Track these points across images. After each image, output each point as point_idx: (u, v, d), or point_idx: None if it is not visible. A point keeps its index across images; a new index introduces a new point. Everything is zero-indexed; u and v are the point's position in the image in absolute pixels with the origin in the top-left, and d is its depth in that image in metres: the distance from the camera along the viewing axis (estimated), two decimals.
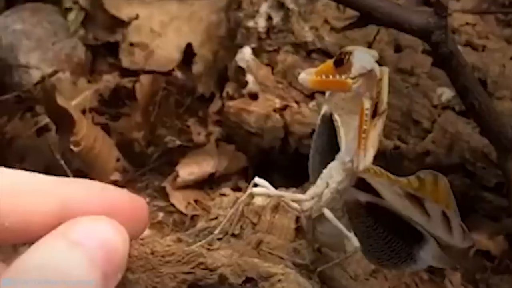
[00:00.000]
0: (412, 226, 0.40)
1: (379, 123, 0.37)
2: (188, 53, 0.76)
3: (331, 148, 0.42)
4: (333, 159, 0.41)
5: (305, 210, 0.42)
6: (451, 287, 0.59)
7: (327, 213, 0.41)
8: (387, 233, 0.41)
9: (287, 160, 0.66)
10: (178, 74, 0.76)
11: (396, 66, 0.65)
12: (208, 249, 0.43)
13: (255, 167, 0.68)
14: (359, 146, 0.38)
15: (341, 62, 0.36)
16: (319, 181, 0.41)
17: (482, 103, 0.52)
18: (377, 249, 0.42)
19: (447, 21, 0.50)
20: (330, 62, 0.36)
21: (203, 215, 0.63)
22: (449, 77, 0.52)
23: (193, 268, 0.40)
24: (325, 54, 0.67)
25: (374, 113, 0.38)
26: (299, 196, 0.43)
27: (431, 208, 0.39)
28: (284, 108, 0.65)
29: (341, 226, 0.41)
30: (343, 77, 0.36)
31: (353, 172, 0.40)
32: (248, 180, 0.67)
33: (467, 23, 0.66)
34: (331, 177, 0.41)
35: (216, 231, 0.46)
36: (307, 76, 0.37)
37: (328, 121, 0.42)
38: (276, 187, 0.56)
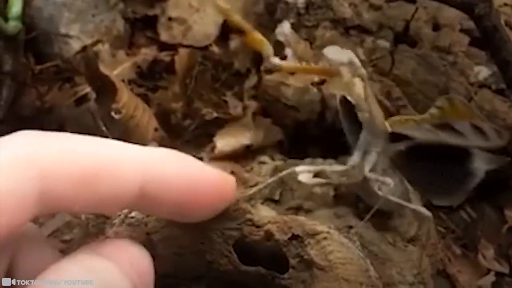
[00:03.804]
0: (454, 147, 0.42)
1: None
2: (225, 29, 0.77)
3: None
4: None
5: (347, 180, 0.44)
6: (484, 262, 0.59)
7: (368, 174, 0.42)
8: (436, 164, 0.44)
9: (323, 133, 0.67)
10: (215, 49, 0.76)
11: (434, 44, 0.65)
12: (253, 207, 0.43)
13: (291, 140, 0.68)
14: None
15: None
16: (356, 151, 0.44)
17: None
18: (437, 183, 0.44)
19: None
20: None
21: (239, 185, 0.64)
22: (490, 51, 0.53)
23: (239, 224, 0.41)
24: (363, 30, 0.67)
25: None
26: (341, 167, 0.45)
27: (461, 126, 0.41)
28: (322, 82, 0.66)
29: (404, 203, 0.43)
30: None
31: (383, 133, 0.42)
32: (284, 153, 0.68)
33: (505, 4, 0.67)
34: (368, 145, 0.42)
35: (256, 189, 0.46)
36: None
37: None
38: (312, 158, 0.57)
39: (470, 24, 0.62)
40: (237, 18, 0.40)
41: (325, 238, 0.41)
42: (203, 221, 0.39)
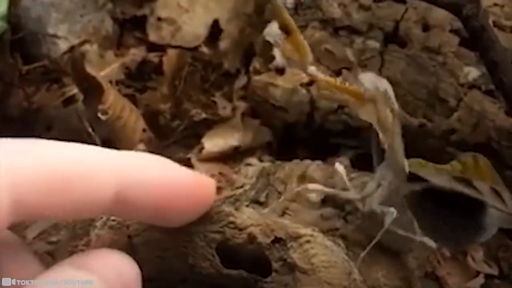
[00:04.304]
0: (470, 199, 0.42)
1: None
2: (215, 29, 0.76)
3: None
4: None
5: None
6: (474, 264, 0.59)
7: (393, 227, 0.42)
8: (449, 211, 0.43)
9: (312, 134, 0.66)
10: (204, 50, 0.76)
11: (424, 45, 0.65)
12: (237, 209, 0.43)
13: (280, 141, 0.68)
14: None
15: None
16: (371, 182, 0.43)
17: (511, 79, 0.52)
18: (446, 229, 0.43)
19: None
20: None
21: (227, 187, 0.63)
22: (479, 53, 0.52)
23: (222, 227, 0.41)
24: (353, 31, 0.67)
25: None
26: (352, 195, 0.45)
27: (480, 186, 0.41)
28: (311, 83, 0.65)
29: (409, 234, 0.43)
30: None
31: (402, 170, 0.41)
32: (272, 154, 0.67)
33: (495, 4, 0.66)
34: (383, 178, 0.42)
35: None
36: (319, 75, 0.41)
37: None
38: (301, 159, 0.56)
39: (460, 25, 0.61)
40: (286, 17, 0.40)
41: (308, 241, 0.40)
42: (186, 224, 0.39)
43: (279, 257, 0.40)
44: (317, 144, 0.66)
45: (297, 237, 0.40)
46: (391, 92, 0.39)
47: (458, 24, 0.63)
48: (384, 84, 0.39)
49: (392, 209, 0.42)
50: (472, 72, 0.63)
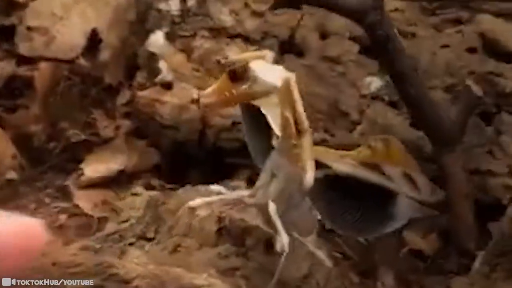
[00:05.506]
0: (378, 186, 0.39)
1: (306, 142, 0.36)
2: (94, 39, 0.69)
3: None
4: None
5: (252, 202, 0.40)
6: None
7: (271, 208, 0.38)
8: (354, 200, 0.40)
9: (205, 155, 0.61)
10: (82, 62, 0.69)
11: (322, 54, 0.61)
12: (120, 257, 0.37)
13: (169, 163, 0.62)
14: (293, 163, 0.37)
15: (237, 76, 0.36)
16: (262, 174, 0.39)
17: (419, 91, 0.48)
18: (351, 219, 0.40)
19: (383, 1, 0.46)
20: (224, 79, 0.37)
21: (112, 217, 0.57)
22: (384, 63, 0.48)
23: (103, 280, 0.35)
24: (246, 39, 0.62)
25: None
26: (243, 193, 0.41)
27: (391, 171, 0.39)
28: None
29: (279, 224, 0.38)
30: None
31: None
32: (162, 178, 0.61)
33: (396, 9, 0.63)
34: (277, 168, 0.38)
35: None
36: (208, 100, 0.37)
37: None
38: (193, 185, 0.51)
39: (360, 31, 0.57)
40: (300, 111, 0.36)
41: None
42: (60, 278, 0.34)
43: None
44: (211, 165, 0.61)
45: None
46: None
47: (357, 30, 0.60)
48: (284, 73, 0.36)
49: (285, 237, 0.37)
50: (374, 82, 0.60)
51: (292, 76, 0.35)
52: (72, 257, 0.36)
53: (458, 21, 0.65)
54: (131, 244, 0.45)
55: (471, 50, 0.61)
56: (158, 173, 0.62)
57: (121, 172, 0.61)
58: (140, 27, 0.66)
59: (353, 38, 0.60)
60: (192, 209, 0.47)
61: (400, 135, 0.58)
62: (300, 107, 0.35)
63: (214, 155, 0.61)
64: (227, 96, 0.36)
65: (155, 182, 0.61)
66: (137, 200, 0.51)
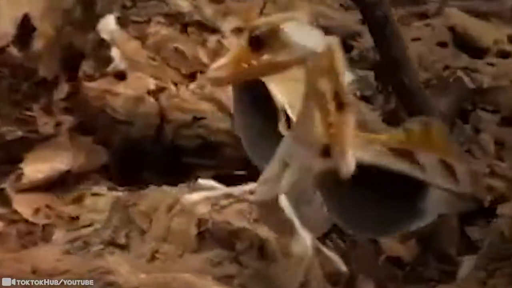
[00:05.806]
0: (405, 179, 0.34)
1: (349, 118, 0.32)
2: (26, 26, 0.63)
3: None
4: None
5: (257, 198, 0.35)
6: None
7: (285, 203, 0.33)
8: (376, 194, 0.34)
9: (161, 153, 0.56)
10: (13, 51, 0.62)
11: None
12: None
13: (121, 162, 0.56)
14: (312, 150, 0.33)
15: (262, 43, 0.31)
16: (272, 163, 0.34)
17: (412, 81, 0.45)
18: (370, 217, 0.35)
19: None
20: (242, 47, 0.31)
21: (57, 223, 0.50)
22: (380, 48, 0.44)
23: None
24: (203, 27, 0.57)
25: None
26: (249, 186, 0.35)
27: (425, 158, 0.34)
28: (160, 90, 0.56)
29: (296, 221, 0.33)
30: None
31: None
32: (112, 178, 0.55)
33: None
34: (291, 157, 0.33)
35: None
36: (218, 73, 0.31)
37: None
38: (146, 187, 0.47)
39: (327, 20, 0.54)
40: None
41: None
42: None
43: None
44: (168, 164, 0.55)
45: None
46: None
47: (324, 20, 0.56)
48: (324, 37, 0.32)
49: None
50: (346, 76, 0.56)
51: (335, 41, 0.30)
52: (56, 262, 0.30)
53: (424, 15, 0.62)
54: (101, 250, 0.39)
55: (442, 45, 0.59)
56: (108, 173, 0.56)
57: (66, 173, 0.55)
58: (85, 12, 0.60)
59: (324, 27, 0.57)
60: (169, 211, 0.42)
61: (374, 131, 0.55)
62: (343, 77, 0.30)
63: (171, 153, 0.56)
64: (245, 68, 0.30)
65: (105, 183, 0.55)
66: (99, 201, 0.45)
